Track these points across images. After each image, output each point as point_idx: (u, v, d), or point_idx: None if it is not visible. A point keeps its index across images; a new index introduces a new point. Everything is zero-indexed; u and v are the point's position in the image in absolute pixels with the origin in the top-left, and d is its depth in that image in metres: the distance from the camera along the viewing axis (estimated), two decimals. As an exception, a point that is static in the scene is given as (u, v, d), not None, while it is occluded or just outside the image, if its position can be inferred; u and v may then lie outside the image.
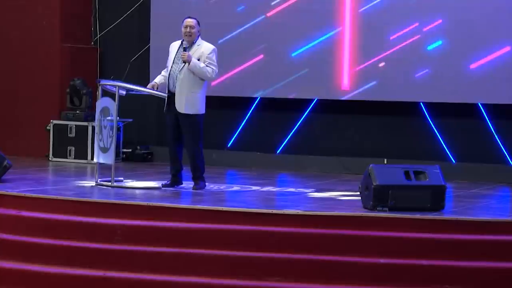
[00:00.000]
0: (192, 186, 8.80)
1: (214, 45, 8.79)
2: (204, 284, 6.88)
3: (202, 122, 8.76)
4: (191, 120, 8.65)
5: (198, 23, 8.69)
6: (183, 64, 8.57)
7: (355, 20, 10.67)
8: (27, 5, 11.78)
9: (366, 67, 10.64)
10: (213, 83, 11.03)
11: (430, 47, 10.39)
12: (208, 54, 8.58)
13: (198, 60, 8.56)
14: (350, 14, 10.68)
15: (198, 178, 8.78)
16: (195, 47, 8.64)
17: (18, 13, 11.81)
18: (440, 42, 10.34)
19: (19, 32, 11.81)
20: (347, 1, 10.67)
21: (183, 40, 8.69)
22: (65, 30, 11.77)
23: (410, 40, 10.47)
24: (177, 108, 8.61)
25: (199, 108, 8.65)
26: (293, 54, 10.93)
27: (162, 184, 8.88)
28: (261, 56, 11.08)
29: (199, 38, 8.70)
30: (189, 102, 8.60)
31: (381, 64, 10.56)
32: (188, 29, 8.63)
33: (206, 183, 8.88)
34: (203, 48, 8.63)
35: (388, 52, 10.53)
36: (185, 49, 8.58)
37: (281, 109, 11.19)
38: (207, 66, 8.56)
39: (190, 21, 8.67)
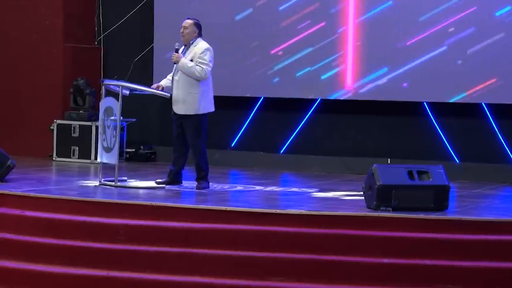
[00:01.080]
0: (195, 185, 8.81)
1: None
2: (207, 284, 6.88)
3: (205, 121, 8.76)
4: (191, 121, 8.67)
5: (196, 24, 8.70)
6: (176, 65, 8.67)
7: (359, 19, 10.68)
8: (30, 5, 11.80)
9: (370, 66, 10.64)
10: (217, 82, 11.05)
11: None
12: (200, 54, 8.59)
13: (191, 60, 8.59)
14: (354, 15, 10.69)
15: (202, 179, 8.79)
16: (191, 47, 8.70)
17: (21, 13, 11.83)
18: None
19: (22, 32, 11.82)
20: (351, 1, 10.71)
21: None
22: (68, 30, 11.78)
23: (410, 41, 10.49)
24: (176, 110, 8.66)
25: (198, 108, 8.65)
26: (296, 54, 10.94)
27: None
28: (265, 55, 11.09)
29: (198, 39, 8.71)
30: (186, 103, 8.63)
31: (383, 64, 10.59)
32: (181, 30, 8.70)
33: (210, 183, 8.89)
34: (197, 48, 8.65)
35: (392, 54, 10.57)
36: (176, 51, 8.67)
37: (284, 109, 11.19)
38: (197, 65, 8.57)
39: (185, 22, 8.73)
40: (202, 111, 8.68)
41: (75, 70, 11.78)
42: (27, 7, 11.80)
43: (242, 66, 11.14)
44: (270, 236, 7.18)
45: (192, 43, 8.68)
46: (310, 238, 7.13)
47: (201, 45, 8.66)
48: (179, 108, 8.65)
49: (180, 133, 8.79)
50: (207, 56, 8.59)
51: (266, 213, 7.38)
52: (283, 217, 7.30)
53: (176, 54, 8.62)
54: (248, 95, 11.23)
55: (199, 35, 8.72)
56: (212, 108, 8.83)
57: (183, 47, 8.77)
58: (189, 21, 8.70)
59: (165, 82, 8.89)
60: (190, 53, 8.64)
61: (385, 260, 6.92)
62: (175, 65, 8.73)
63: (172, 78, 8.77)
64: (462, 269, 6.90)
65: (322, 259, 6.96)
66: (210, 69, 8.61)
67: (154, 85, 8.94)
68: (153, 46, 11.55)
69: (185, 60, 8.57)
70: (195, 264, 7.04)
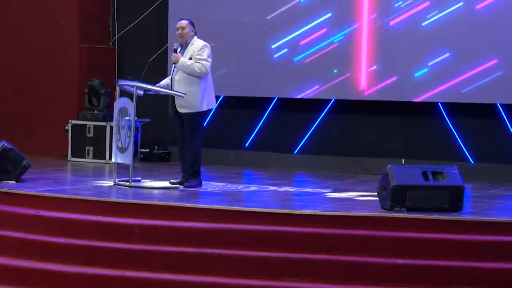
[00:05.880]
0: (185, 184, 8.86)
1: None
2: (221, 284, 6.89)
3: (203, 119, 8.89)
4: (193, 118, 8.76)
5: (191, 23, 8.85)
6: (174, 65, 8.80)
7: (373, 19, 10.66)
8: (46, 6, 11.85)
9: (384, 66, 10.62)
10: (231, 82, 11.06)
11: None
12: (198, 51, 8.72)
13: (191, 58, 8.71)
14: (368, 14, 10.67)
15: (193, 176, 8.86)
16: (189, 46, 8.82)
17: (37, 13, 11.88)
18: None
19: (38, 32, 11.87)
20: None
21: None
22: (84, 30, 11.82)
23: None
24: (177, 109, 8.72)
25: (199, 105, 8.73)
26: (310, 54, 10.93)
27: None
28: (280, 55, 11.09)
29: (194, 37, 8.84)
30: (188, 101, 8.70)
31: (398, 64, 10.56)
32: (179, 31, 8.85)
33: (225, 184, 8.91)
34: (195, 46, 8.78)
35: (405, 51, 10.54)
36: (175, 51, 8.81)
37: (298, 109, 11.19)
38: (196, 62, 8.68)
39: (181, 23, 8.86)
40: (202, 108, 8.77)
41: (90, 70, 11.82)
42: (44, 7, 11.85)
43: (256, 66, 11.14)
44: (284, 236, 7.18)
45: (189, 42, 8.82)
46: (324, 239, 7.12)
47: (198, 43, 8.80)
48: (180, 107, 8.74)
49: (183, 133, 8.85)
50: (205, 53, 8.73)
51: (280, 214, 7.39)
52: (297, 218, 7.30)
53: (175, 54, 8.78)
54: (262, 95, 11.23)
55: (195, 33, 8.86)
56: (213, 105, 8.96)
57: (180, 47, 8.88)
58: (185, 21, 8.86)
59: (165, 82, 9.02)
60: (188, 52, 8.78)
61: (400, 261, 6.91)
62: (173, 65, 8.86)
63: (171, 78, 8.88)
64: (477, 270, 6.89)
65: (336, 259, 6.96)
66: (209, 64, 8.73)
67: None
68: (167, 46, 11.57)
69: (183, 59, 8.72)
70: (209, 264, 7.05)
